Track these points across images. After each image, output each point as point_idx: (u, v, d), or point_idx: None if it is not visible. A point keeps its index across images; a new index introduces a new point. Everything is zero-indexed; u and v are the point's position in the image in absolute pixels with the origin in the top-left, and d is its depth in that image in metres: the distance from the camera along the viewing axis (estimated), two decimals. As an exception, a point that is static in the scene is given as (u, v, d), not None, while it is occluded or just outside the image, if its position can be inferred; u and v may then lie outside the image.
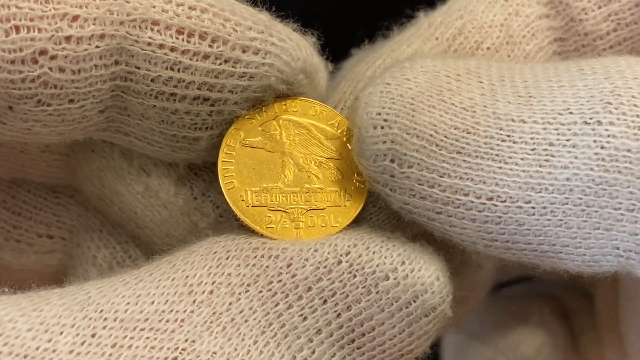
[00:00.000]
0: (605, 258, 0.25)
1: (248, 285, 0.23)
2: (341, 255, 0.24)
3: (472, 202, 0.24)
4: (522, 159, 0.24)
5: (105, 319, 0.22)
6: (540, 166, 0.24)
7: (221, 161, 0.26)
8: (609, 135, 0.24)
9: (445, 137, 0.24)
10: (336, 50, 0.29)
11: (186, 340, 0.22)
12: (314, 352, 0.23)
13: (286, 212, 0.26)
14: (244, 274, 0.23)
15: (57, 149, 0.29)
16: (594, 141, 0.24)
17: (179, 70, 0.25)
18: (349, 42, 0.32)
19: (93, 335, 0.21)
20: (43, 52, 0.23)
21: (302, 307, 0.23)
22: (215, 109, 0.26)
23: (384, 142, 0.25)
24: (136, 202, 0.29)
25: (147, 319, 0.22)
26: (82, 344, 0.21)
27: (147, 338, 0.21)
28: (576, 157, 0.24)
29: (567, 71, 0.26)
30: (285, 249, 0.24)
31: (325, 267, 0.24)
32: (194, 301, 0.23)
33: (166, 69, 0.24)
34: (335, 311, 0.24)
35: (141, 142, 0.27)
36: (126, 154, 0.28)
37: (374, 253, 0.24)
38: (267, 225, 0.26)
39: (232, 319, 0.23)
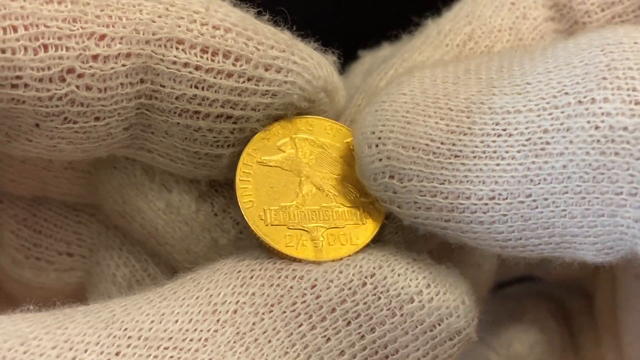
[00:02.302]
0: (618, 244, 0.23)
1: (272, 305, 0.23)
2: (366, 277, 0.24)
3: (475, 204, 0.24)
4: (518, 152, 0.23)
5: (129, 337, 0.22)
6: (536, 156, 0.23)
7: (239, 180, 0.26)
8: (603, 114, 0.22)
9: (441, 143, 0.24)
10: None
11: None
12: None
13: (305, 230, 0.26)
14: (267, 294, 0.23)
15: (79, 166, 0.29)
16: (588, 122, 0.22)
17: (203, 89, 0.25)
18: (353, 49, 0.32)
19: (117, 354, 0.21)
20: (71, 71, 0.23)
21: (325, 329, 0.23)
22: (238, 126, 0.26)
23: (380, 159, 0.25)
24: (157, 219, 0.29)
25: (170, 338, 0.22)
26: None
27: (171, 357, 0.21)
28: (571, 142, 0.23)
29: (564, 49, 0.25)
30: (310, 270, 0.24)
31: (350, 288, 0.24)
32: (218, 320, 0.23)
33: (190, 87, 0.25)
34: (359, 333, 0.23)
35: (164, 158, 0.27)
36: (148, 171, 0.29)
37: (399, 275, 0.24)
38: (287, 244, 0.26)
39: (256, 339, 0.23)
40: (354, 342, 0.23)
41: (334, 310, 0.23)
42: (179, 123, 0.26)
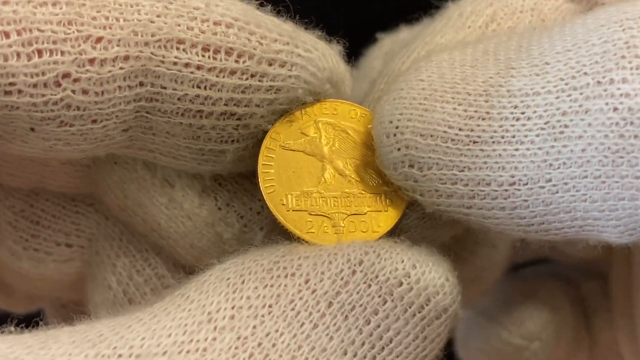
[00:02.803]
0: None
1: (270, 306, 0.22)
2: (355, 265, 0.23)
3: (496, 190, 0.23)
4: (537, 136, 0.23)
5: (119, 355, 0.21)
6: (555, 140, 0.22)
7: (261, 164, 0.26)
8: (621, 95, 0.22)
9: (459, 129, 0.23)
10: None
11: None
12: None
13: (327, 217, 0.26)
14: (263, 295, 0.23)
15: (78, 161, 0.29)
16: (606, 103, 0.22)
17: (205, 88, 0.24)
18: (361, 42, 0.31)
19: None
20: (66, 75, 0.22)
21: (327, 326, 0.23)
22: (242, 122, 0.25)
23: (398, 149, 0.24)
24: (160, 214, 0.28)
25: (165, 352, 0.21)
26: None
27: None
28: (589, 125, 0.22)
29: (583, 25, 0.24)
30: (300, 265, 0.23)
31: (342, 278, 0.23)
32: (215, 328, 0.22)
33: (193, 87, 0.24)
34: (357, 327, 0.23)
35: (166, 157, 0.26)
36: (149, 166, 0.28)
37: (385, 260, 0.24)
38: (308, 230, 0.25)
39: (259, 344, 0.22)
40: (354, 339, 0.23)
41: (330, 304, 0.23)
42: (181, 123, 0.25)
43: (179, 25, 0.24)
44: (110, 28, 0.23)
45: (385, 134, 0.24)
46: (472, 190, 0.24)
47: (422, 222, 0.27)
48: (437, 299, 0.24)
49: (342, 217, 0.26)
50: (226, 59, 0.24)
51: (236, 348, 0.21)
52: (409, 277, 0.24)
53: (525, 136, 0.23)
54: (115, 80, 0.23)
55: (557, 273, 0.40)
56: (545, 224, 0.24)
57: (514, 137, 0.23)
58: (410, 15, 0.31)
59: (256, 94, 0.25)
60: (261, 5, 0.26)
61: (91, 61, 0.23)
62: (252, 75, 0.24)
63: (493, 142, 0.23)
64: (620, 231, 0.23)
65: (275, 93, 0.25)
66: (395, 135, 0.24)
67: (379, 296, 0.23)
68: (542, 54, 0.24)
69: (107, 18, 0.23)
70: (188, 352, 0.21)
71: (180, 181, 0.28)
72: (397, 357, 0.24)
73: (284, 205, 0.26)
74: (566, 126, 0.22)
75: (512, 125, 0.23)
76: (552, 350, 0.37)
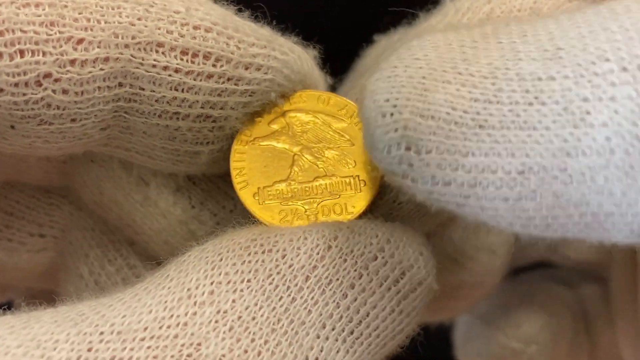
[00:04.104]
0: None
1: (249, 280, 0.23)
2: (330, 241, 0.24)
3: (502, 178, 0.22)
4: (553, 122, 0.21)
5: (101, 332, 0.21)
6: (575, 127, 0.21)
7: (232, 162, 0.27)
8: None
9: (464, 112, 0.22)
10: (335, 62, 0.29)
11: (191, 345, 0.21)
12: (322, 350, 0.23)
13: (300, 205, 0.26)
14: (242, 271, 0.23)
15: (54, 157, 0.29)
16: (635, 90, 0.21)
17: (183, 91, 0.25)
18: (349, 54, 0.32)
19: (89, 350, 0.21)
20: (47, 75, 0.23)
21: (304, 300, 0.23)
22: (217, 125, 0.26)
23: (396, 129, 0.22)
24: (135, 211, 0.29)
25: (146, 328, 0.21)
26: (78, 358, 0.20)
27: (149, 347, 0.21)
28: (616, 112, 0.21)
29: (597, 14, 0.23)
30: (276, 242, 0.24)
31: (317, 253, 0.24)
32: (195, 303, 0.22)
33: (170, 89, 0.25)
34: (334, 300, 0.23)
35: (142, 156, 0.27)
36: (125, 164, 0.29)
37: (359, 235, 0.24)
38: (283, 219, 0.26)
39: (239, 317, 0.22)
40: (332, 312, 0.23)
41: (307, 278, 0.23)
42: (158, 124, 0.25)
43: (159, 28, 0.24)
44: (91, 30, 0.23)
45: (381, 113, 0.22)
46: (475, 178, 0.22)
47: (394, 204, 0.27)
48: (411, 273, 0.25)
49: (315, 203, 0.26)
50: (204, 62, 0.25)
51: (216, 322, 0.22)
52: (384, 251, 0.24)
53: (540, 122, 0.21)
54: (95, 80, 0.24)
55: (556, 277, 0.40)
56: (549, 219, 0.22)
57: (525, 122, 0.21)
58: (408, 17, 0.31)
59: (232, 97, 0.25)
60: (239, 10, 0.27)
61: (72, 62, 0.23)
62: (228, 79, 0.25)
63: (502, 127, 0.22)
64: (631, 230, 0.22)
65: (250, 96, 0.26)
66: (392, 115, 0.22)
67: (355, 270, 0.24)
68: (553, 40, 0.23)
69: (88, 20, 0.23)
70: (169, 327, 0.21)
71: (155, 180, 0.29)
72: (375, 330, 0.24)
73: (257, 199, 0.26)
74: (588, 113, 0.21)
75: (525, 110, 0.22)
76: (550, 353, 0.37)
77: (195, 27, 0.25)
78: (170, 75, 0.24)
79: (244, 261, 0.23)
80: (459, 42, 0.23)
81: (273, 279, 0.23)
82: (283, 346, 0.22)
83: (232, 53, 0.25)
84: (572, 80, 0.21)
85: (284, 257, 0.24)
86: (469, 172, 0.22)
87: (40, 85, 0.23)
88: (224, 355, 0.21)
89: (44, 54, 0.23)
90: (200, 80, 0.25)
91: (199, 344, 0.21)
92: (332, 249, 0.24)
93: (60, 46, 0.23)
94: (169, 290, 0.22)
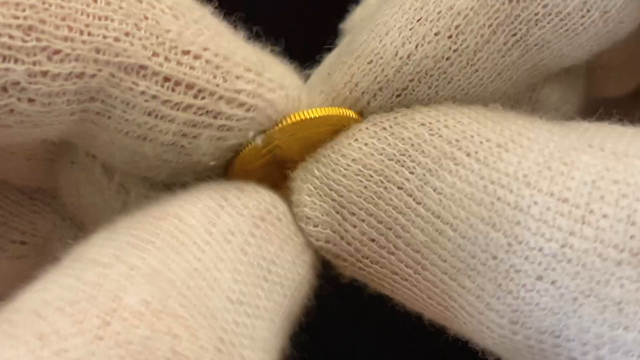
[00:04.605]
0: None
1: (152, 241, 0.22)
2: (221, 200, 0.24)
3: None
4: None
5: (20, 320, 0.20)
6: None
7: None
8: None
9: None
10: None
11: (112, 299, 0.20)
12: (244, 293, 0.23)
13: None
14: (142, 236, 0.22)
15: (41, 155, 0.28)
16: None
17: (156, 117, 0.24)
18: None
19: (16, 338, 0.19)
20: (15, 84, 0.21)
21: (214, 249, 0.23)
22: (184, 152, 0.25)
23: (317, 240, 0.26)
24: (113, 217, 0.27)
25: (61, 297, 0.20)
26: (8, 349, 0.19)
27: (71, 315, 0.20)
28: None
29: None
30: (167, 210, 0.24)
31: (212, 211, 0.24)
32: (102, 265, 0.21)
33: (143, 114, 0.23)
34: (241, 248, 0.24)
35: (102, 154, 0.26)
36: (107, 170, 0.28)
37: (249, 193, 0.25)
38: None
39: (154, 269, 0.21)
40: (242, 259, 0.23)
41: (211, 233, 0.23)
42: (122, 139, 0.24)
43: (145, 48, 0.23)
44: (71, 41, 0.22)
45: (304, 222, 0.26)
46: None
47: None
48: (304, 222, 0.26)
49: None
50: (185, 92, 0.23)
51: (131, 276, 0.21)
52: (277, 207, 0.25)
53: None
54: (65, 94, 0.22)
55: None
56: None
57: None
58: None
59: (206, 130, 0.24)
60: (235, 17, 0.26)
61: (44, 73, 0.21)
62: (207, 112, 0.24)
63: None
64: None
65: (226, 131, 0.25)
66: (315, 226, 0.26)
67: (249, 222, 0.24)
68: None
69: (70, 29, 0.22)
70: (83, 290, 0.20)
71: (136, 189, 0.28)
72: (279, 277, 0.24)
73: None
74: None
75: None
76: None
77: (184, 53, 0.23)
78: (146, 101, 0.23)
79: (141, 229, 0.23)
80: (388, 155, 0.25)
81: (177, 237, 0.23)
82: (205, 289, 0.22)
83: (217, 85, 0.24)
84: None
85: (181, 220, 0.23)
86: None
87: (6, 91, 0.21)
88: (147, 301, 0.20)
89: (15, 61, 0.21)
90: (177, 110, 0.23)
91: (119, 297, 0.20)
92: (225, 208, 0.24)
93: (35, 55, 0.21)
94: (73, 263, 0.22)
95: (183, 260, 0.22)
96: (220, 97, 0.24)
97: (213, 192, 0.25)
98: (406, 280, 0.25)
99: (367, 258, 0.26)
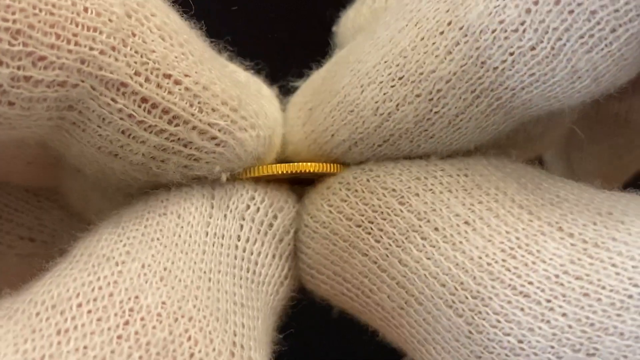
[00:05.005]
0: None
1: (158, 239, 0.23)
2: (210, 199, 0.25)
3: None
4: None
5: (37, 313, 0.21)
6: None
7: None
8: None
9: None
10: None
11: (129, 299, 0.21)
12: (242, 296, 0.24)
13: None
14: (147, 232, 0.24)
15: (42, 160, 0.28)
16: None
17: (129, 136, 0.24)
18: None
19: (34, 331, 0.21)
20: None
21: (212, 252, 0.24)
22: (151, 174, 0.25)
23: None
24: None
25: (78, 294, 0.21)
26: (25, 341, 0.20)
27: (89, 312, 0.21)
28: None
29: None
30: (166, 206, 0.25)
31: (205, 210, 0.25)
32: (116, 263, 0.22)
33: (117, 131, 0.24)
34: (232, 252, 0.25)
35: (76, 164, 0.26)
36: None
37: (230, 190, 0.26)
38: None
39: (165, 268, 0.22)
40: (233, 262, 0.24)
41: (207, 233, 0.24)
42: (93, 154, 0.25)
43: (129, 66, 0.23)
44: (57, 49, 0.21)
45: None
46: None
47: None
48: (283, 214, 0.26)
49: None
50: (160, 117, 0.24)
51: (145, 274, 0.22)
52: (254, 198, 0.26)
53: None
54: (46, 100, 0.22)
55: None
56: None
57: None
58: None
59: (175, 156, 0.24)
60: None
61: (27, 79, 0.21)
62: (178, 139, 0.24)
63: None
64: None
65: (193, 161, 0.25)
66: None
67: (235, 221, 0.25)
68: None
69: (58, 37, 0.21)
70: (100, 288, 0.21)
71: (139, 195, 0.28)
72: (266, 277, 0.25)
73: None
74: None
75: None
76: None
77: (165, 76, 0.23)
78: (121, 119, 0.23)
79: (146, 225, 0.24)
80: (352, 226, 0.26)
81: (179, 235, 0.24)
82: (213, 290, 0.23)
83: (192, 115, 0.24)
84: None
85: (179, 216, 0.24)
86: None
87: None
88: (164, 303, 0.21)
89: (0, 64, 0.21)
90: (150, 132, 0.24)
91: (137, 297, 0.21)
92: (214, 206, 0.25)
93: (20, 59, 0.21)
94: (87, 259, 0.23)
95: (189, 260, 0.23)
96: (194, 128, 0.24)
97: (202, 187, 0.25)
98: (381, 326, 0.26)
99: (342, 304, 0.27)
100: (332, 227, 0.26)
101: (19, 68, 0.21)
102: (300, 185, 0.28)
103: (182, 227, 0.24)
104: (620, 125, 0.33)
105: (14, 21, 0.21)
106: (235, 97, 0.25)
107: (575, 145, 0.34)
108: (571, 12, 0.22)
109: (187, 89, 0.24)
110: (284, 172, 0.26)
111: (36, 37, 0.21)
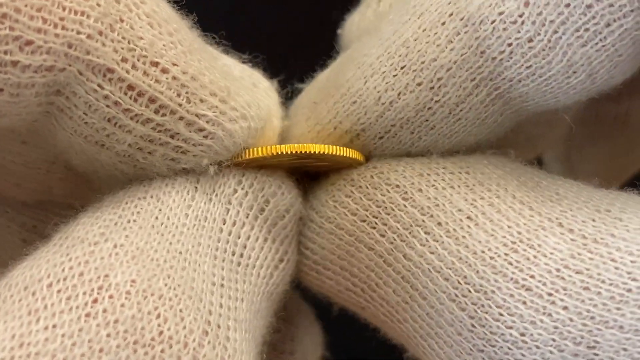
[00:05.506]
0: None
1: (135, 220, 0.23)
2: (194, 183, 0.25)
3: None
4: None
5: (11, 295, 0.21)
6: None
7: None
8: None
9: None
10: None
11: (98, 278, 0.21)
12: (223, 277, 0.24)
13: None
14: (124, 214, 0.24)
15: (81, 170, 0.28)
16: None
17: (114, 125, 0.24)
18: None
19: (6, 313, 0.20)
20: None
21: (191, 233, 0.24)
22: (138, 166, 0.25)
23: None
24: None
25: (49, 274, 0.21)
26: None
27: (59, 291, 0.21)
28: None
29: None
30: (146, 190, 0.25)
31: (187, 193, 0.25)
32: (89, 244, 0.22)
33: (102, 119, 0.23)
34: (215, 234, 0.24)
35: (66, 157, 0.26)
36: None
37: (217, 175, 0.25)
38: None
39: (137, 247, 0.22)
40: (217, 245, 0.24)
41: (186, 215, 0.24)
42: (80, 144, 0.25)
43: (116, 51, 0.23)
44: (45, 34, 0.21)
45: None
46: None
47: None
48: (276, 199, 0.26)
49: None
50: (147, 105, 0.23)
51: (116, 254, 0.22)
52: (242, 183, 0.25)
53: None
54: (34, 86, 0.22)
55: None
56: None
57: None
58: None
59: (162, 148, 0.24)
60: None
61: (14, 63, 0.21)
62: (165, 130, 0.24)
63: None
64: None
65: (180, 154, 0.25)
66: None
67: (221, 205, 0.25)
68: None
69: (45, 21, 0.21)
70: (71, 268, 0.21)
71: None
72: (257, 260, 0.25)
73: None
74: None
75: None
76: None
77: (153, 64, 0.23)
78: (107, 106, 0.23)
79: (124, 207, 0.24)
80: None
81: (157, 217, 0.24)
82: (188, 270, 0.22)
83: (179, 105, 0.24)
84: None
85: (159, 200, 0.24)
86: None
87: None
88: (133, 281, 0.21)
89: None
90: (136, 121, 0.23)
91: (106, 275, 0.21)
92: (198, 190, 0.25)
93: (7, 44, 0.21)
94: (63, 242, 0.22)
95: (165, 241, 0.23)
96: (181, 118, 0.24)
97: (188, 173, 0.25)
98: (384, 322, 0.26)
99: (346, 300, 0.27)
100: (338, 222, 0.26)
101: (5, 53, 0.21)
102: (307, 180, 0.28)
103: (160, 209, 0.24)
104: (619, 126, 0.33)
105: (0, 5, 0.20)
106: (225, 88, 0.25)
107: (575, 145, 0.34)
108: (567, 5, 0.23)
109: (174, 78, 0.23)
110: (276, 153, 0.25)
111: (23, 21, 0.21)
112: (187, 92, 0.24)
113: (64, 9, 0.21)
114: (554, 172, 0.31)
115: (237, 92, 0.25)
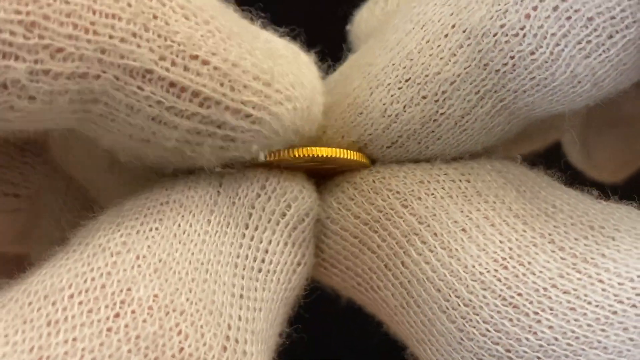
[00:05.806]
0: None
1: (157, 228, 0.23)
2: (217, 187, 0.25)
3: None
4: None
5: (30, 303, 0.21)
6: None
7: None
8: None
9: None
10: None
11: (121, 291, 0.21)
12: (242, 287, 0.24)
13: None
14: (147, 221, 0.23)
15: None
16: None
17: (159, 122, 0.23)
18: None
19: (24, 322, 0.20)
20: (15, 82, 0.20)
21: (214, 241, 0.24)
22: (186, 158, 0.25)
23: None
24: (100, 176, 0.28)
25: (70, 285, 0.21)
26: (16, 332, 0.20)
27: (80, 303, 0.21)
28: None
29: None
30: (169, 194, 0.25)
31: (210, 198, 0.25)
32: (111, 254, 0.22)
33: (147, 119, 0.23)
34: (237, 240, 0.25)
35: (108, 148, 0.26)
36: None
37: (240, 179, 0.25)
38: None
39: (160, 259, 0.22)
40: (238, 252, 0.24)
41: (209, 221, 0.24)
42: (126, 142, 0.24)
43: (152, 51, 0.22)
44: (75, 40, 0.21)
45: None
46: None
47: None
48: (297, 204, 0.26)
49: None
50: (190, 100, 0.23)
51: (139, 266, 0.22)
52: (265, 187, 0.25)
53: None
54: (68, 92, 0.21)
55: None
56: None
57: None
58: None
59: (209, 139, 0.24)
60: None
61: (46, 72, 0.21)
62: (211, 121, 0.23)
63: None
64: None
65: (229, 142, 0.24)
66: None
67: (244, 209, 0.25)
68: None
69: (75, 27, 0.21)
70: (93, 279, 0.21)
71: None
72: (277, 265, 0.25)
73: None
74: None
75: None
76: None
77: (192, 57, 0.22)
78: (150, 106, 0.22)
79: (146, 214, 0.24)
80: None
81: (179, 225, 0.23)
82: (209, 282, 0.23)
83: (224, 95, 0.23)
84: None
85: (182, 205, 0.24)
86: None
87: (6, 89, 0.20)
88: (156, 296, 0.21)
89: (16, 58, 0.20)
90: (182, 117, 0.23)
91: (129, 289, 0.21)
92: (221, 194, 0.25)
93: (37, 52, 0.20)
94: (83, 249, 0.22)
95: (187, 251, 0.23)
96: (227, 108, 0.23)
97: (210, 175, 0.25)
98: (386, 319, 0.27)
99: (353, 296, 0.27)
100: (342, 224, 0.26)
101: (36, 62, 0.20)
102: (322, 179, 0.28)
103: (182, 215, 0.24)
104: (637, 111, 0.33)
105: (28, 13, 0.20)
106: (268, 70, 0.24)
107: (592, 129, 0.34)
108: (569, 18, 0.23)
109: (215, 68, 0.23)
110: (297, 156, 0.26)
111: (52, 29, 0.20)
112: (229, 81, 0.23)
113: (94, 13, 0.21)
114: (572, 153, 0.32)
115: (281, 72, 0.25)
